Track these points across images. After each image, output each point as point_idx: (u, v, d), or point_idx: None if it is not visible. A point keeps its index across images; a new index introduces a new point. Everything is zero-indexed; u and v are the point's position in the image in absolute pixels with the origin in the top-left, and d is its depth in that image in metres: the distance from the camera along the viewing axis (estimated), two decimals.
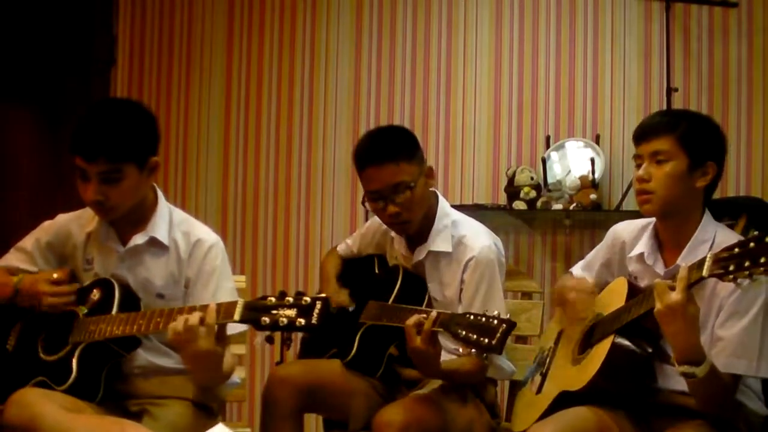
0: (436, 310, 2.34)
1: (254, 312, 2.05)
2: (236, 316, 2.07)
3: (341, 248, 2.96)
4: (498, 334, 2.13)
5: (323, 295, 2.01)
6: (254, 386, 3.98)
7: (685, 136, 2.19)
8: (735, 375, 2.09)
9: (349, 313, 2.72)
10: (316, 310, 1.99)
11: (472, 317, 2.21)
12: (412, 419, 2.34)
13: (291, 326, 2.00)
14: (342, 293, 2.76)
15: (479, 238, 2.57)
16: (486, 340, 2.14)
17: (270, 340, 2.02)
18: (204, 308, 2.12)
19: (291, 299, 2.01)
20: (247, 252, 4.18)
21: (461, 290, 2.54)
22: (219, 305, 2.12)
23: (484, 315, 2.19)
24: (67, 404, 2.14)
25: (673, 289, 1.95)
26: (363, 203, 2.61)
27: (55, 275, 2.35)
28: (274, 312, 2.02)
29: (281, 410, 2.51)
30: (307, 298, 2.01)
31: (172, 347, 2.35)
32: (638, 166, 2.24)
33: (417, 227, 2.60)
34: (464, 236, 2.58)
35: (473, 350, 2.18)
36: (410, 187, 2.51)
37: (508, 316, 2.19)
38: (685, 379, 2.03)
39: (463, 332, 2.19)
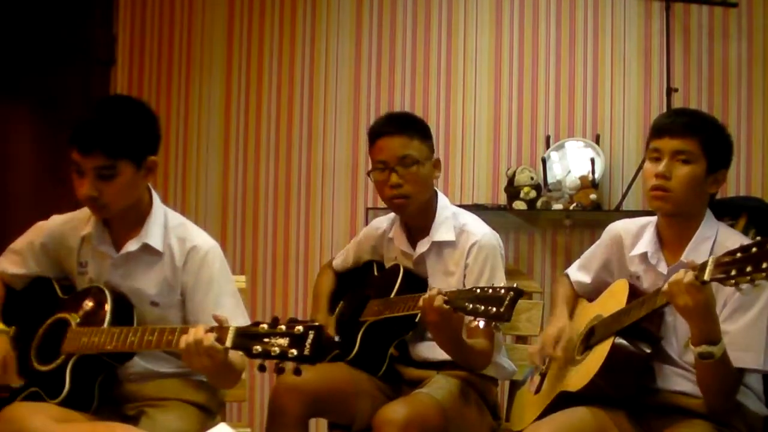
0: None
1: (246, 339, 1.96)
2: (228, 343, 1.99)
3: (336, 262, 2.94)
4: (506, 302, 2.14)
5: (317, 323, 1.91)
6: (254, 386, 3.97)
7: (709, 141, 2.19)
8: (740, 369, 2.09)
9: (351, 314, 2.71)
10: (309, 341, 1.88)
11: (478, 290, 2.22)
12: (413, 417, 2.32)
13: (283, 356, 1.90)
14: (328, 323, 2.75)
15: (480, 226, 2.63)
16: (494, 309, 2.15)
17: (262, 368, 1.93)
18: (199, 330, 2.04)
19: (283, 327, 1.91)
20: (247, 252, 4.18)
21: (465, 276, 2.55)
22: (211, 329, 2.04)
23: (489, 287, 2.21)
24: (59, 416, 2.12)
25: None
26: (368, 174, 2.64)
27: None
28: (266, 340, 1.92)
29: (288, 418, 2.47)
30: (300, 327, 1.90)
31: (172, 354, 2.33)
32: (655, 160, 2.22)
33: (416, 214, 2.62)
34: (465, 224, 2.62)
35: (482, 321, 2.18)
36: (417, 162, 2.56)
37: (515, 285, 2.20)
38: (699, 364, 2.02)
39: (471, 305, 2.19)
